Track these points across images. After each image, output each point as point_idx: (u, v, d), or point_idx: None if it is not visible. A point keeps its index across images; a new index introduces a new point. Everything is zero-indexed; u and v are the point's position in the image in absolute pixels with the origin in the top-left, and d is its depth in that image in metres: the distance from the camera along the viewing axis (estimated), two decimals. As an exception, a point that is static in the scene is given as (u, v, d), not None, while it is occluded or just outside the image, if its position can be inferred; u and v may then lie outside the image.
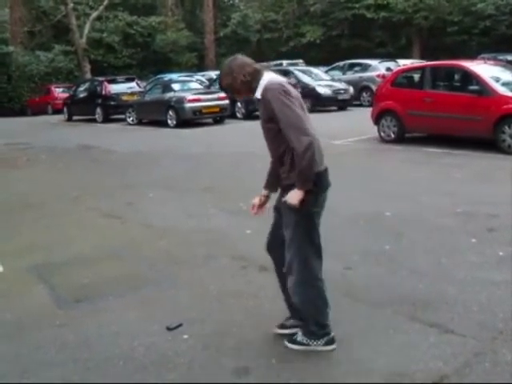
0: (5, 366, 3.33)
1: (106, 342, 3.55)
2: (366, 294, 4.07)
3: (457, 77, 10.97)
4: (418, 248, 5.01)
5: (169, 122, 17.35)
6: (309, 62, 28.77)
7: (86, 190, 8.29)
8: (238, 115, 18.33)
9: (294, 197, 3.07)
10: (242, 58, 3.20)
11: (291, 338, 3.38)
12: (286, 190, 3.17)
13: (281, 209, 3.25)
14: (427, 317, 3.64)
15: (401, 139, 11.12)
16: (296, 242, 3.18)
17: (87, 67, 31.45)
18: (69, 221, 6.62)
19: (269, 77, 3.14)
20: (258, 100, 3.15)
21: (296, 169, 3.03)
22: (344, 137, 12.19)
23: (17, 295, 4.42)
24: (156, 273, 4.75)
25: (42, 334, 3.72)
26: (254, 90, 3.16)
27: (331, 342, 3.32)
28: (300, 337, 3.35)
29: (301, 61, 28.63)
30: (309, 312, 3.30)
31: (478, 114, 9.52)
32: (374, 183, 7.70)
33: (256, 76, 3.14)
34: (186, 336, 3.56)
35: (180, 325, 3.64)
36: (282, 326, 3.55)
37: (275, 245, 3.39)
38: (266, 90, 3.09)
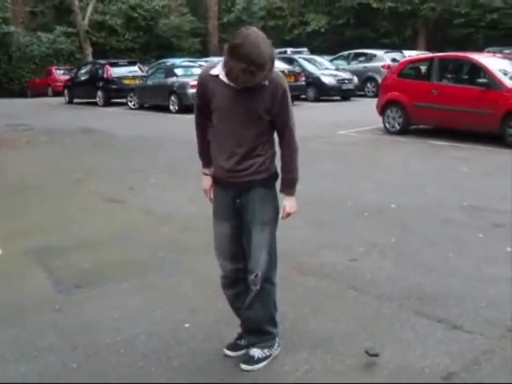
0: (4, 349, 3.27)
1: (106, 329, 3.48)
2: (371, 287, 4.00)
3: (465, 69, 10.86)
4: (424, 241, 4.94)
5: (171, 107, 17.20)
6: (313, 51, 28.60)
7: (88, 174, 8.20)
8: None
9: (294, 204, 2.95)
10: None
11: (250, 359, 3.03)
12: (252, 186, 2.84)
13: (248, 209, 2.88)
14: (434, 312, 3.58)
15: (406, 131, 11.03)
16: (270, 242, 2.94)
17: (89, 50, 31.16)
18: (69, 204, 6.53)
19: None
20: (259, 86, 2.69)
21: (289, 167, 2.90)
22: (348, 127, 12.10)
23: (16, 278, 4.34)
24: (158, 259, 4.68)
25: (41, 318, 3.66)
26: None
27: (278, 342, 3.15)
28: (260, 352, 3.04)
29: (305, 49, 28.43)
30: (269, 313, 3.05)
31: (485, 108, 9.42)
32: (379, 174, 7.61)
33: None
34: (187, 325, 3.50)
35: (377, 354, 3.05)
36: (236, 347, 3.16)
37: (242, 258, 2.97)
38: (279, 78, 2.79)
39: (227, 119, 2.80)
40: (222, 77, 2.72)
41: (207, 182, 3.09)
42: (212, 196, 3.05)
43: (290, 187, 2.93)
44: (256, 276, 2.90)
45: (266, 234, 2.90)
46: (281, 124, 2.84)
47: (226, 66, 2.64)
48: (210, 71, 2.82)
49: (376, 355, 3.04)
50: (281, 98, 2.76)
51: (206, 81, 2.83)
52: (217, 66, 2.79)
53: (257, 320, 3.03)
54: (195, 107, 3.00)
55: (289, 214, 2.96)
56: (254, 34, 2.59)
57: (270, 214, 2.91)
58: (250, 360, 3.03)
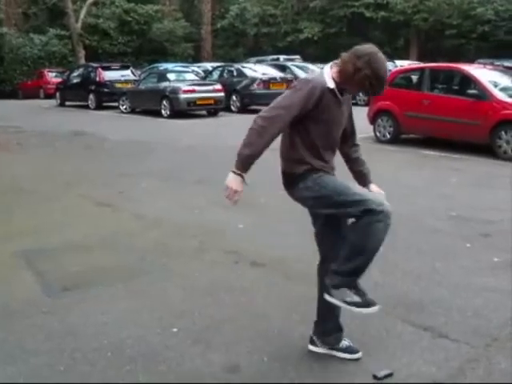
0: (-11, 352, 3.26)
1: (93, 332, 3.47)
2: (359, 295, 4.00)
3: (456, 80, 10.94)
4: (412, 250, 4.97)
5: (162, 112, 17.19)
6: (306, 59, 28.71)
7: (78, 177, 8.18)
8: (233, 108, 18.21)
9: None
10: None
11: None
12: None
13: None
14: (421, 320, 3.60)
15: (396, 140, 11.10)
16: None
17: (81, 53, 31.08)
18: (59, 207, 6.51)
19: None
20: (347, 97, 2.99)
21: (365, 163, 3.35)
22: (339, 135, 12.13)
23: (3, 280, 4.33)
24: (147, 264, 4.67)
25: (28, 321, 3.64)
26: None
27: None
28: None
29: (298, 57, 28.54)
30: None
31: (475, 119, 9.51)
32: (369, 183, 7.63)
33: None
34: (175, 329, 3.50)
35: (390, 374, 3.01)
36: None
37: None
38: None
39: (332, 131, 2.99)
40: (336, 90, 2.84)
41: (241, 184, 2.85)
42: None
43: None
44: None
45: None
46: (352, 127, 3.21)
47: (355, 72, 2.73)
48: (324, 84, 2.80)
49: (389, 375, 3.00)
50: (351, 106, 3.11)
51: (322, 93, 2.79)
52: (326, 79, 2.82)
53: None
54: (288, 114, 2.76)
55: None
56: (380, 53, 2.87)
57: None
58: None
